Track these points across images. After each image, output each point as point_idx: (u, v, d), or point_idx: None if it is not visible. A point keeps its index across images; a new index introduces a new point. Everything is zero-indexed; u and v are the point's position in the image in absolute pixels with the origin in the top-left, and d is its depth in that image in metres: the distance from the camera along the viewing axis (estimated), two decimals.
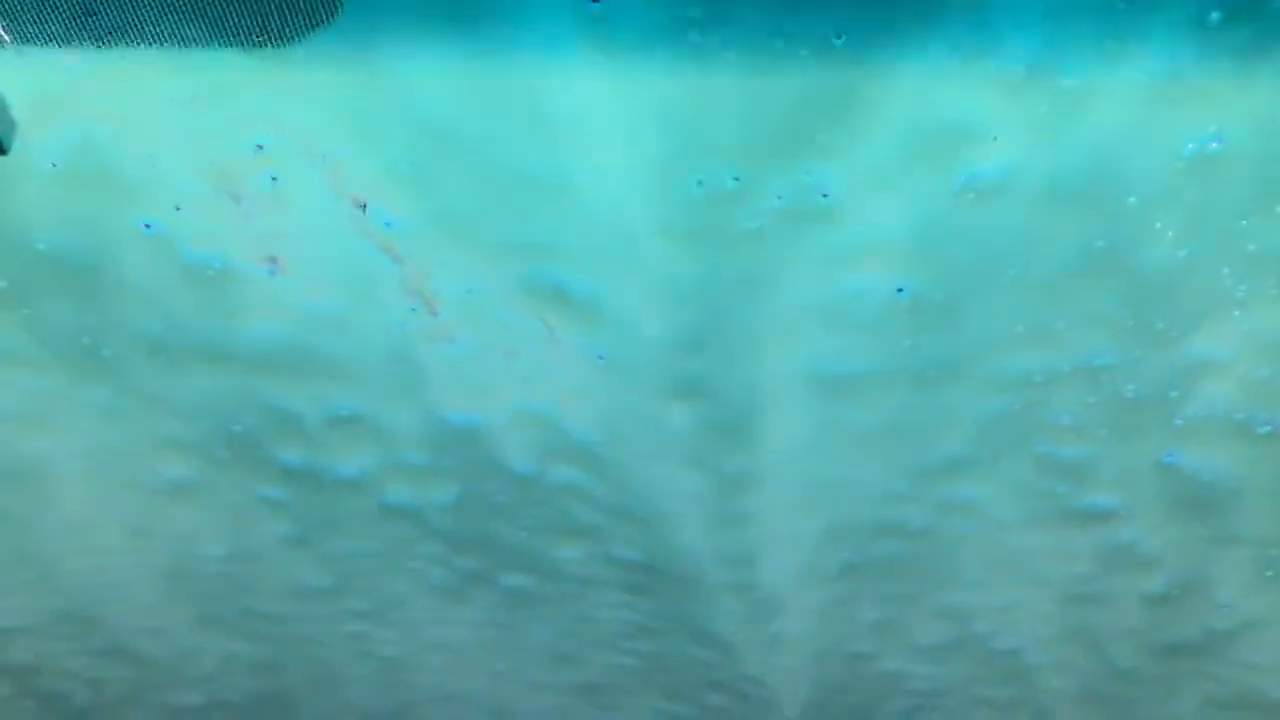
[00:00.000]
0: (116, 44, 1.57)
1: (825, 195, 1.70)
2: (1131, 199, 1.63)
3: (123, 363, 2.16)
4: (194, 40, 1.55)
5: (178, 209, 1.84)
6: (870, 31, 1.54)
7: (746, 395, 2.14)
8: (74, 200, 1.85)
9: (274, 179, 1.78)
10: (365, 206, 1.81)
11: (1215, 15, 1.45)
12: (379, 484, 2.42)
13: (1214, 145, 1.56)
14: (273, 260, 1.93)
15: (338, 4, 1.53)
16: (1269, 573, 2.26)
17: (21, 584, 2.81)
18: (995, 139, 1.59)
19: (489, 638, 2.92)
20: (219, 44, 1.56)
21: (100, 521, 2.60)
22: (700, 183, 1.76)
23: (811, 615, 2.76)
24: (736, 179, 1.73)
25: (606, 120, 1.69)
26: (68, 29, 1.55)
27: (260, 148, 1.73)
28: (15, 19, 1.52)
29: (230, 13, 1.51)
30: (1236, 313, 1.77)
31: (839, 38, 1.54)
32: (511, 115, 1.66)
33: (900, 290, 1.83)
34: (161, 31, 1.55)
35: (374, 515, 2.52)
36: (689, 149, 1.73)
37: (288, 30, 1.56)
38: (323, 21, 1.55)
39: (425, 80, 1.62)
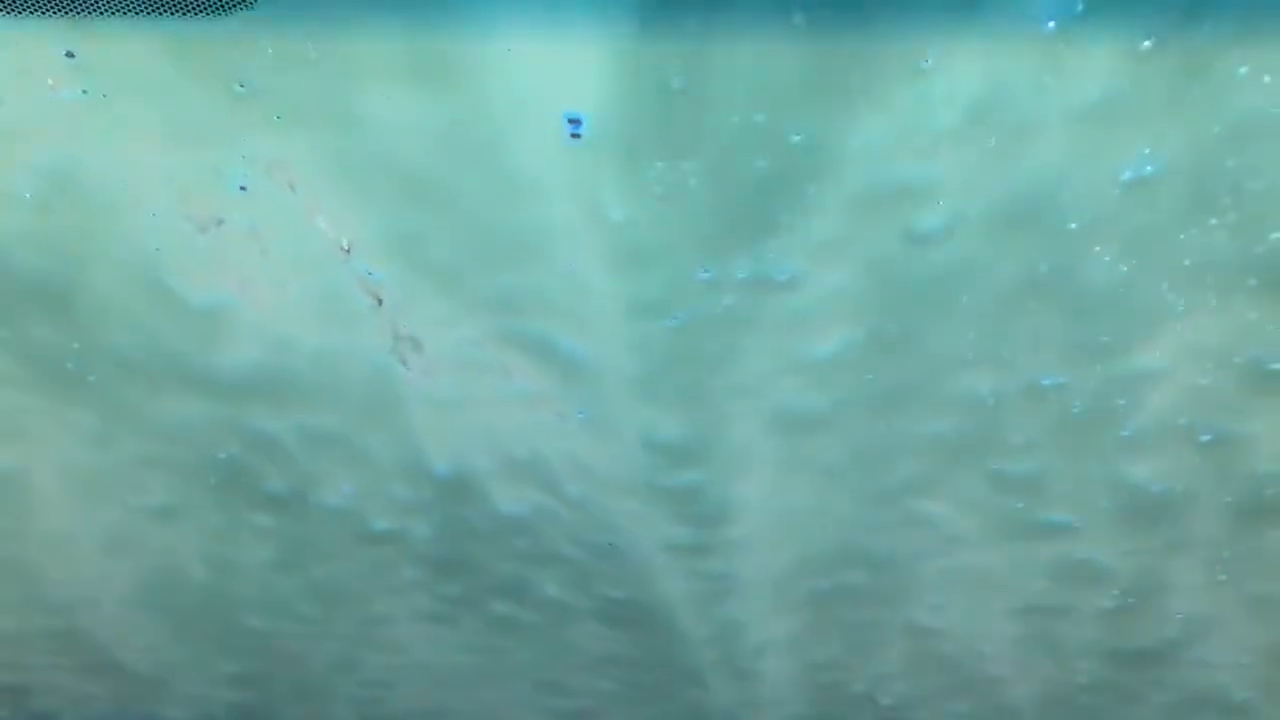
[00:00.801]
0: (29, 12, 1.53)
1: (784, 273, 1.84)
2: (1072, 224, 1.71)
3: (105, 387, 2.21)
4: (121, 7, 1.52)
5: (158, 249, 1.90)
6: (823, 124, 1.64)
7: (718, 444, 2.25)
8: (52, 230, 1.90)
9: (257, 219, 1.85)
10: (349, 250, 1.88)
11: (1146, 44, 1.53)
12: (362, 514, 2.49)
13: (1149, 169, 1.64)
14: (255, 297, 2.00)
15: None
16: (1221, 576, 2.34)
17: (9, 603, 2.85)
18: (940, 202, 1.71)
19: (473, 661, 2.98)
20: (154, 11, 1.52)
21: (86, 541, 2.65)
22: (670, 287, 1.90)
23: (787, 649, 2.84)
24: (706, 270, 1.85)
25: (581, 209, 1.81)
26: None
27: (244, 189, 1.79)
28: None
29: None
30: (1177, 326, 1.85)
31: (796, 135, 1.65)
32: (493, 178, 1.74)
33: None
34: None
35: (358, 542, 2.58)
36: (659, 249, 1.85)
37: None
38: None
39: (409, 137, 1.70)
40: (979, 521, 2.33)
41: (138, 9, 1.49)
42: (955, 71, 1.55)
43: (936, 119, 1.61)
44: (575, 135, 1.69)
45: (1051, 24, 1.46)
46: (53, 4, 1.49)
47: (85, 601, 2.87)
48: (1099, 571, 2.40)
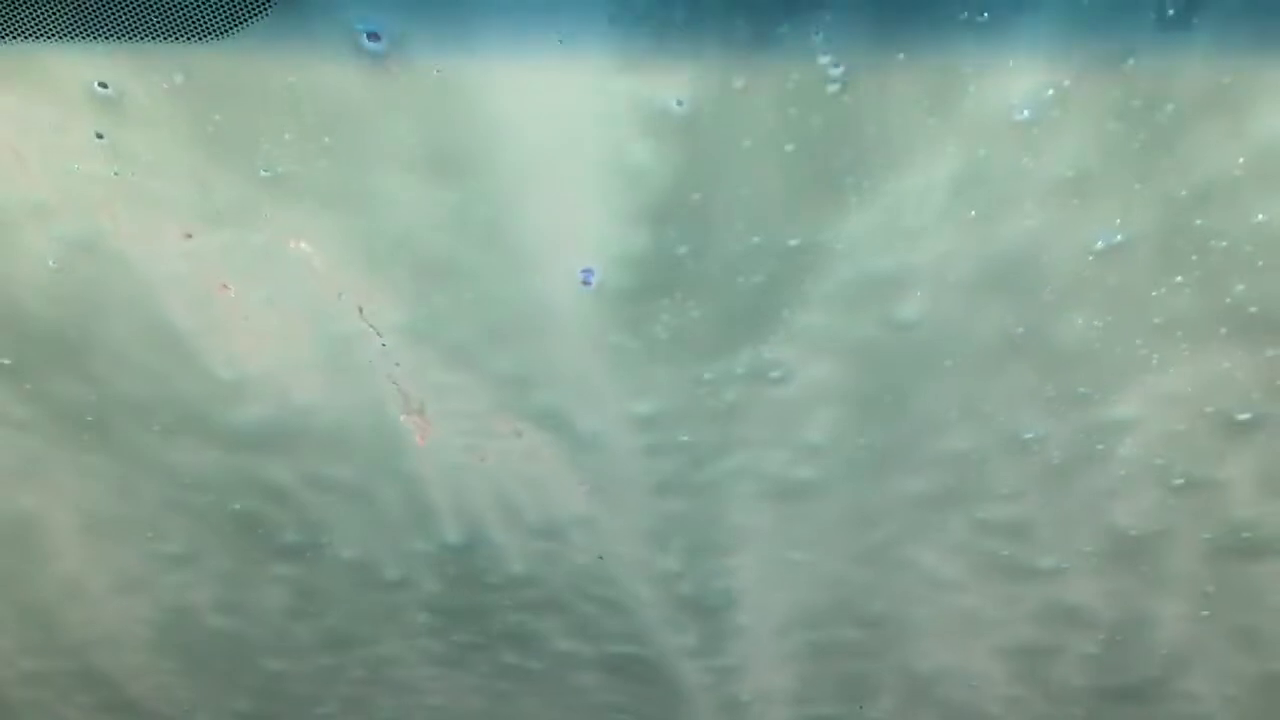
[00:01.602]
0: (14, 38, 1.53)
1: (778, 369, 1.99)
2: (1048, 290, 1.82)
3: (124, 439, 2.29)
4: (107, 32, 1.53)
5: (179, 314, 2.00)
6: (815, 225, 1.78)
7: (717, 517, 2.41)
8: (76, 295, 1.99)
9: (276, 288, 1.96)
10: (363, 313, 2.00)
11: (1114, 124, 1.63)
12: (375, 564, 2.59)
13: (1119, 237, 1.75)
14: (273, 361, 2.10)
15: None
16: (1204, 612, 2.43)
17: (26, 644, 2.92)
18: (919, 292, 1.86)
19: (482, 704, 3.06)
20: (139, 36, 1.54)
21: (102, 584, 2.72)
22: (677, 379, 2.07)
23: (783, 703, 2.93)
24: (709, 378, 2.01)
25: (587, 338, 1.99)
26: None
27: (263, 260, 1.91)
28: None
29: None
30: (1149, 378, 1.95)
31: (794, 240, 1.78)
32: (506, 263, 1.89)
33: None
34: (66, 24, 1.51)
35: (370, 589, 2.67)
36: (659, 365, 2.03)
37: (215, 24, 1.53)
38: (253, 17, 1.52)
39: (426, 224, 1.82)
40: (967, 568, 2.43)
41: (140, 34, 1.52)
42: (936, 162, 1.66)
43: (918, 209, 1.73)
44: (586, 284, 1.88)
45: (1026, 113, 1.57)
46: (48, 29, 1.52)
47: (101, 642, 2.94)
48: (1085, 611, 2.49)
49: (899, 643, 2.69)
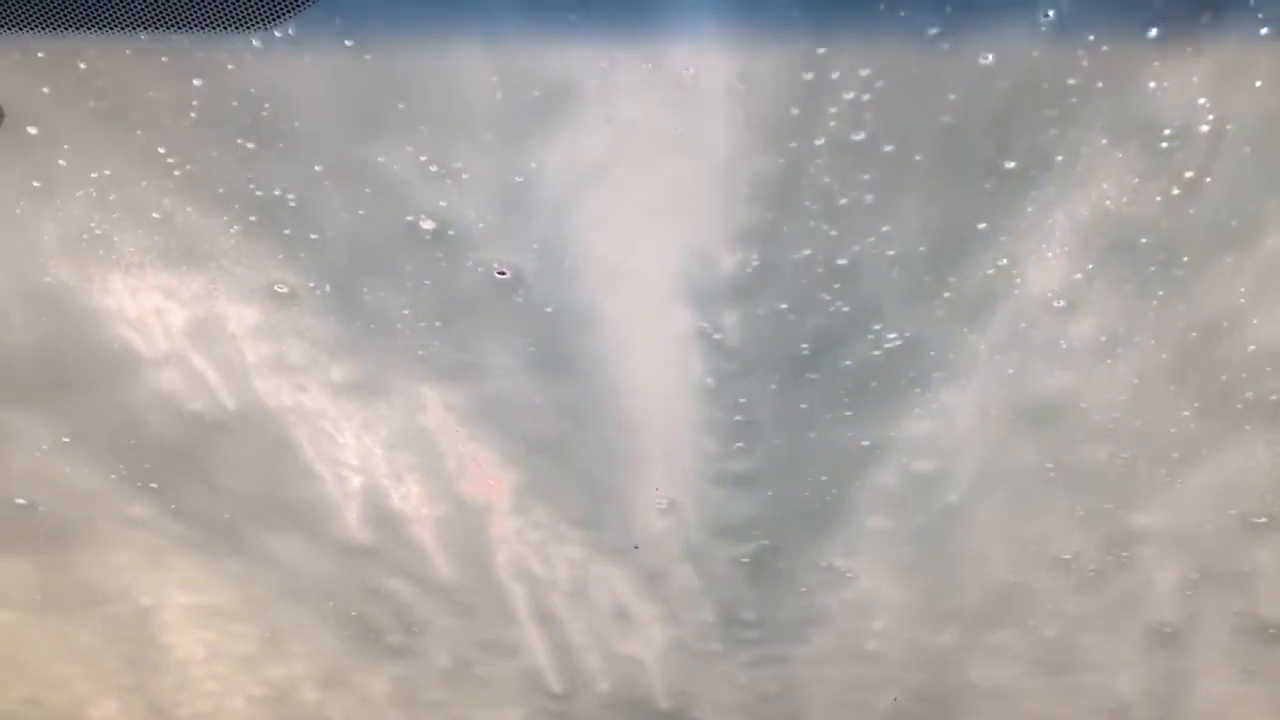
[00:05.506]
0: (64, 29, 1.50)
1: (849, 572, 2.32)
2: (1079, 434, 2.09)
3: (248, 546, 2.57)
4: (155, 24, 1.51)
5: (316, 467, 2.32)
6: (883, 430, 2.11)
7: (784, 674, 2.74)
8: (220, 439, 2.28)
9: (412, 464, 2.28)
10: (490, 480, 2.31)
11: (1134, 290, 1.89)
12: (471, 665, 2.89)
13: (1139, 386, 2.01)
14: (391, 502, 2.41)
15: None
16: (1246, 686, 2.66)
17: None
18: (966, 476, 2.17)
19: None
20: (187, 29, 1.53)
21: (217, 668, 2.99)
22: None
23: None
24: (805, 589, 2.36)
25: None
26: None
27: (387, 424, 2.22)
28: None
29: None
30: (1167, 498, 2.20)
31: (866, 441, 2.09)
32: (609, 439, 2.20)
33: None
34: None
35: (467, 687, 2.96)
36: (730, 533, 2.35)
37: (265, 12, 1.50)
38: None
39: (538, 402, 2.14)
40: (1018, 676, 2.69)
41: (163, 25, 1.49)
42: (983, 370, 1.95)
43: (967, 408, 2.02)
44: (661, 508, 2.26)
45: (1061, 303, 1.84)
46: (67, 19, 1.47)
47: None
48: (1132, 700, 2.73)
49: None
